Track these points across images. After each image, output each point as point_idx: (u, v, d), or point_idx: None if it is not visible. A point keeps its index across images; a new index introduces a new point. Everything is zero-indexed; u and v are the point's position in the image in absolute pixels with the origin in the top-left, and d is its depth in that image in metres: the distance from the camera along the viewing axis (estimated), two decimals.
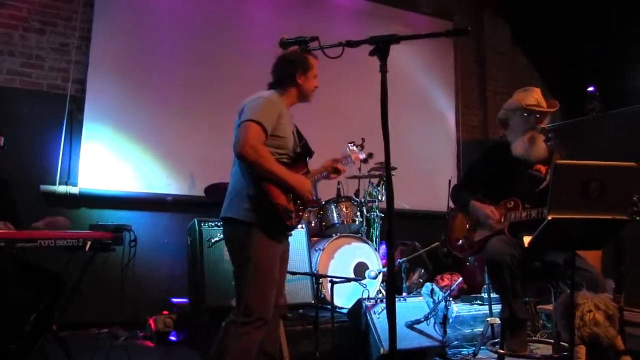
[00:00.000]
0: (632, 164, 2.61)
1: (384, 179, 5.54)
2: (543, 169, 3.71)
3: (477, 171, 3.97)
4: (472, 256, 4.24)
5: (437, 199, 6.56)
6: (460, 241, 3.90)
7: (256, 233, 2.79)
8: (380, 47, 2.14)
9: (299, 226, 4.84)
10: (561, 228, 2.65)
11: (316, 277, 4.12)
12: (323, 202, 5.45)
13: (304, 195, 2.95)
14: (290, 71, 3.06)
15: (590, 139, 5.44)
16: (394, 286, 2.10)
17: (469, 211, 3.83)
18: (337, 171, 3.35)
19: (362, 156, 3.67)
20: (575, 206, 2.60)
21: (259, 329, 2.79)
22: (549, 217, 2.60)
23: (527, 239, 3.32)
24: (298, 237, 4.79)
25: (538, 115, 3.70)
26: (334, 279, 3.94)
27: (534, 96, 3.75)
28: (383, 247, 5.55)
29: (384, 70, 2.09)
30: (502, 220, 3.67)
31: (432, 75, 7.48)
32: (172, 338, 4.71)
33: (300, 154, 3.11)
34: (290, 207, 2.89)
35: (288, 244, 3.17)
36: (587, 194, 2.59)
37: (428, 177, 7.14)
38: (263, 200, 2.80)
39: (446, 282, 5.41)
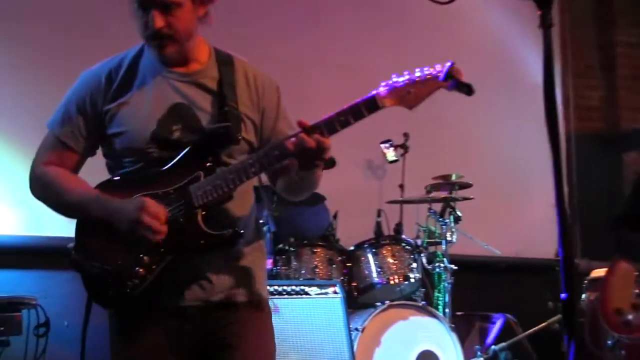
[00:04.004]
0: None
1: (452, 203, 5.45)
2: None
3: None
4: None
5: (533, 238, 6.78)
6: (628, 315, 4.01)
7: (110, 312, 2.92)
8: None
9: (331, 290, 4.86)
10: None
11: None
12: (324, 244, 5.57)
13: (124, 226, 2.70)
14: None
15: None
16: None
17: None
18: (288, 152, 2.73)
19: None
20: None
21: None
22: None
23: None
24: (330, 309, 4.83)
25: None
26: None
27: None
28: None
29: (547, 24, 2.15)
30: None
31: (519, 25, 7.26)
32: None
33: (196, 148, 2.78)
34: (107, 259, 2.76)
35: (226, 323, 2.81)
36: None
37: (517, 202, 7.20)
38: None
39: None
